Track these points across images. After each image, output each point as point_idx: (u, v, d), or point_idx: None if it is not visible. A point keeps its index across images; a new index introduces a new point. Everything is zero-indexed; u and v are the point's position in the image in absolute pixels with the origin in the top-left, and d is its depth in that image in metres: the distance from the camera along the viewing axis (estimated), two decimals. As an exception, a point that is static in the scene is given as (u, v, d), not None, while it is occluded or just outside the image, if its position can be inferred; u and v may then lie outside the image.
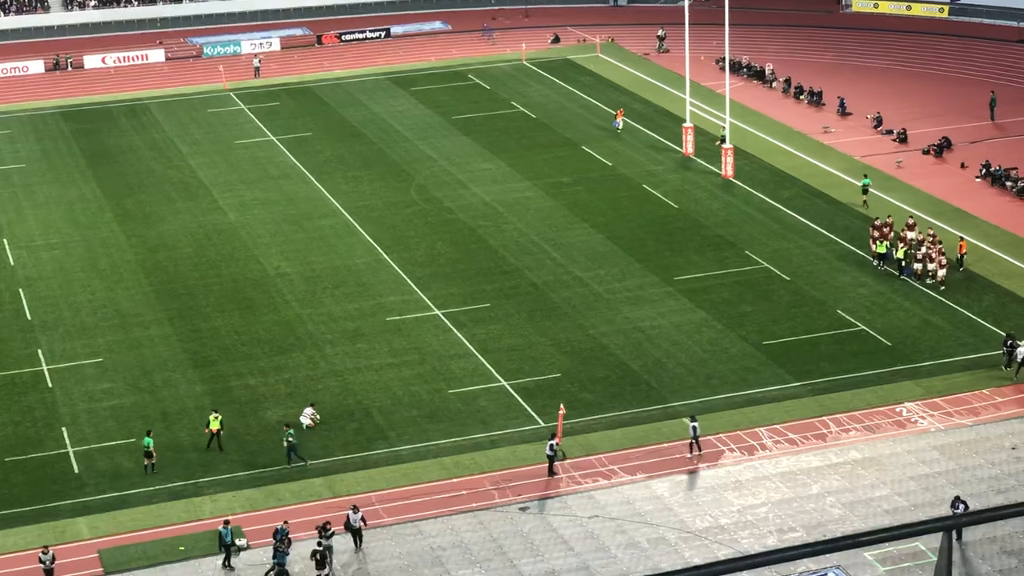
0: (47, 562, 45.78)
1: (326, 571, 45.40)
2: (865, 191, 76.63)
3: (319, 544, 45.95)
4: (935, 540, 45.51)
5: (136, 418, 55.98)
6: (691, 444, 52.31)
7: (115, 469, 52.76)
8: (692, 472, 51.48)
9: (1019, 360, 56.77)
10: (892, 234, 68.13)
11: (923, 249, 66.69)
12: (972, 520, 10.99)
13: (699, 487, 50.59)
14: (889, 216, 70.10)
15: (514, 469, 51.85)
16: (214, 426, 53.42)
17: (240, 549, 47.37)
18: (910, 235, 68.23)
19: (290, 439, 52.14)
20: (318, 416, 55.13)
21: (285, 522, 47.08)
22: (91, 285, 69.34)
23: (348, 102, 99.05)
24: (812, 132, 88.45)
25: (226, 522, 47.40)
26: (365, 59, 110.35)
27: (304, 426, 54.66)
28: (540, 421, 54.77)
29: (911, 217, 70.22)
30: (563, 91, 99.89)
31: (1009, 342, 57.65)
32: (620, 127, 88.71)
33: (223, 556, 46.94)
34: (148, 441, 52.38)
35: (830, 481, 50.67)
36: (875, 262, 67.49)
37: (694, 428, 52.15)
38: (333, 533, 46.65)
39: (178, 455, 53.33)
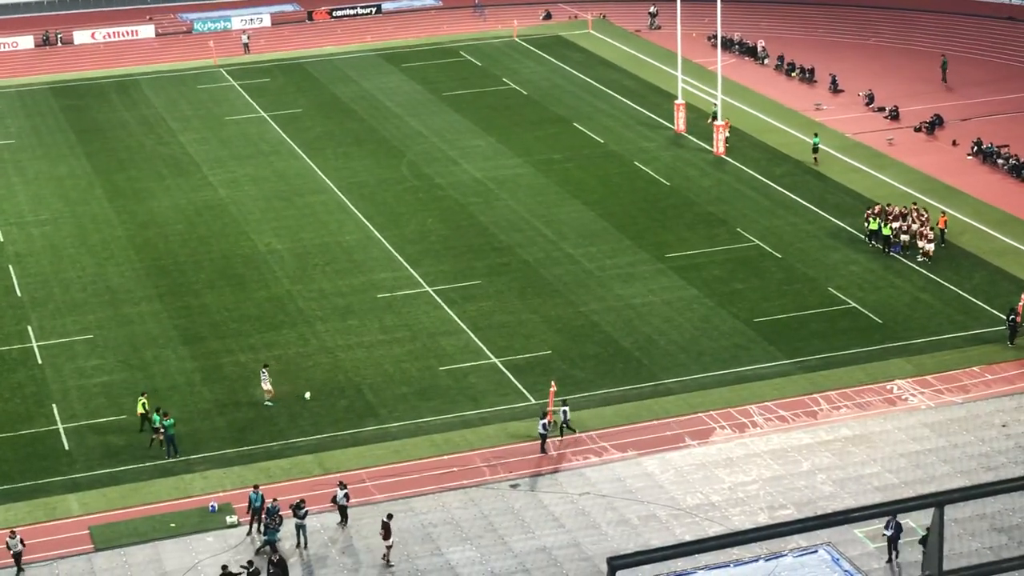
0: (14, 546, 45.26)
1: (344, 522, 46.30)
2: (815, 149, 78.55)
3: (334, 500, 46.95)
4: (925, 517, 45.43)
5: (126, 395, 55.86)
6: (561, 428, 52.07)
7: (105, 446, 52.70)
8: (679, 449, 51.52)
9: None
10: (883, 214, 68.17)
11: (909, 224, 66.94)
12: (963, 496, 10.97)
13: (690, 464, 50.61)
14: (904, 205, 70.01)
15: (505, 446, 51.87)
16: (139, 410, 53.18)
17: (235, 525, 47.55)
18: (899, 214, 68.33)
19: (169, 429, 51.69)
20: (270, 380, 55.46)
21: (275, 499, 47.04)
22: (81, 261, 69.22)
23: (339, 78, 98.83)
24: (804, 109, 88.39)
25: (256, 487, 47.70)
26: (356, 35, 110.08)
27: (265, 391, 54.95)
28: (531, 398, 54.75)
29: (915, 203, 69.99)
30: (554, 68, 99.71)
31: (1012, 316, 57.74)
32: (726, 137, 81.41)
33: (251, 520, 47.23)
34: (156, 418, 52.28)
35: (821, 458, 50.73)
36: (870, 241, 67.49)
37: (564, 412, 51.99)
38: (307, 512, 46.59)
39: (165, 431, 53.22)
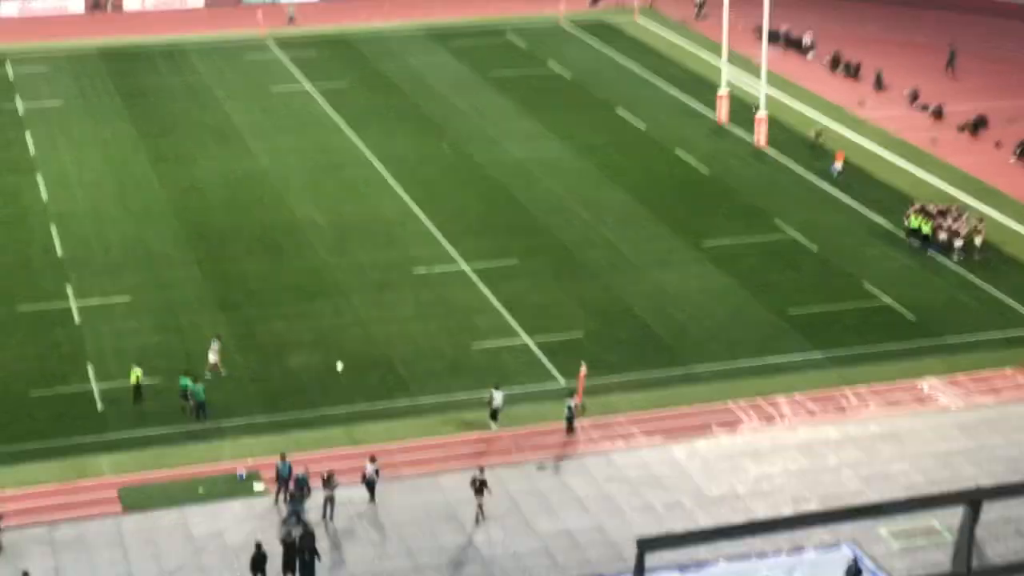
0: None
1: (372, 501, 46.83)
2: (819, 134, 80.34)
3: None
4: (951, 518, 44.90)
5: (161, 357, 55.98)
6: (493, 414, 51.61)
7: (138, 408, 52.77)
8: (706, 438, 51.33)
9: None
10: (922, 211, 67.64)
11: (949, 223, 66.51)
12: (997, 494, 10.81)
13: (716, 454, 50.40)
14: (949, 207, 69.56)
15: (534, 426, 51.77)
16: (132, 380, 53.01)
17: (261, 493, 47.60)
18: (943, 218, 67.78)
19: (199, 394, 51.78)
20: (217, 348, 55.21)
21: (306, 469, 46.97)
22: (122, 224, 69.41)
23: (384, 55, 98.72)
24: (847, 105, 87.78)
25: (283, 455, 47.59)
26: (403, 12, 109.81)
27: (209, 363, 54.54)
28: (561, 380, 54.61)
29: (954, 204, 69.39)
30: (599, 54, 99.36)
31: None
32: (838, 172, 75.50)
33: (277, 489, 47.17)
34: (185, 382, 52.43)
35: (848, 453, 50.43)
36: (910, 238, 66.94)
37: (493, 396, 51.60)
38: (337, 484, 46.53)
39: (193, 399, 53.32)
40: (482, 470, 46.79)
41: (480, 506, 46.19)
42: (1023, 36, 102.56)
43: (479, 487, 46.18)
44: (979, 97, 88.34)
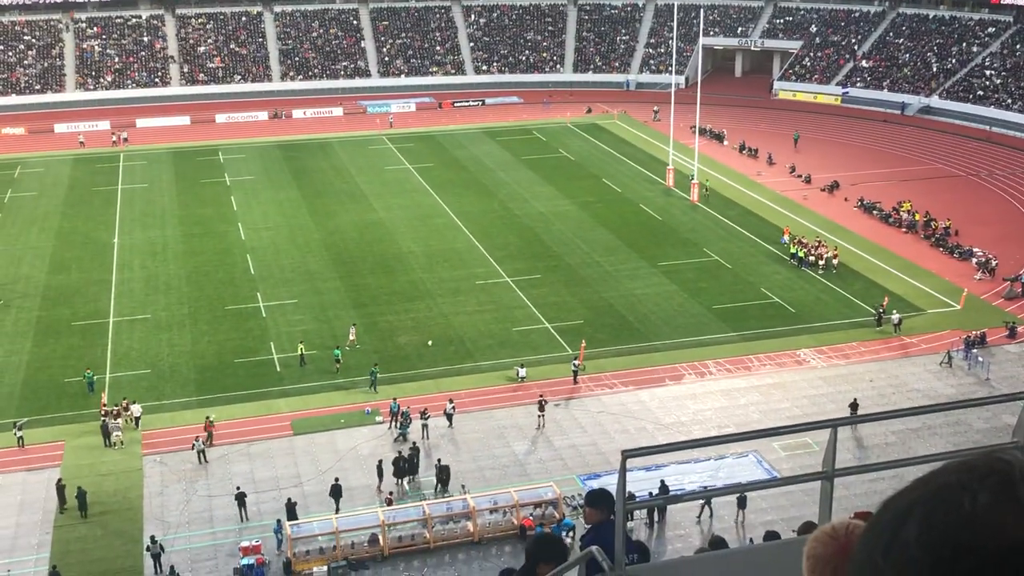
0: (198, 446, 45.12)
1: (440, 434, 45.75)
2: (706, 189, 78.50)
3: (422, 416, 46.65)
4: (818, 436, 44.38)
5: (316, 338, 56.18)
6: (519, 380, 50.47)
7: (303, 369, 53.03)
8: (661, 387, 51.09)
9: (895, 322, 55.75)
10: (799, 242, 67.27)
11: (817, 249, 66.14)
12: (850, 421, 10.78)
13: (668, 396, 50.22)
14: (814, 238, 68.91)
15: (552, 380, 51.68)
16: (299, 351, 52.91)
17: (380, 423, 47.72)
18: (809, 242, 67.39)
19: (375, 372, 51.30)
20: (354, 334, 54.74)
21: (408, 407, 47.16)
22: (291, 254, 69.64)
23: (456, 146, 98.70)
24: (749, 174, 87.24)
25: (395, 399, 47.42)
26: (468, 118, 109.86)
27: (348, 340, 54.14)
28: (569, 349, 54.49)
29: (818, 238, 69.11)
30: (592, 144, 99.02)
31: (879, 310, 56.90)
32: (785, 242, 67.92)
33: (390, 420, 46.96)
34: (337, 352, 52.55)
35: (752, 396, 50.15)
36: (791, 259, 66.58)
37: (518, 369, 50.84)
38: (429, 416, 46.63)
39: (341, 362, 53.44)
40: (543, 395, 47.07)
41: (542, 416, 46.43)
42: (865, 130, 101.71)
43: (541, 406, 46.31)
44: (831, 169, 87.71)
